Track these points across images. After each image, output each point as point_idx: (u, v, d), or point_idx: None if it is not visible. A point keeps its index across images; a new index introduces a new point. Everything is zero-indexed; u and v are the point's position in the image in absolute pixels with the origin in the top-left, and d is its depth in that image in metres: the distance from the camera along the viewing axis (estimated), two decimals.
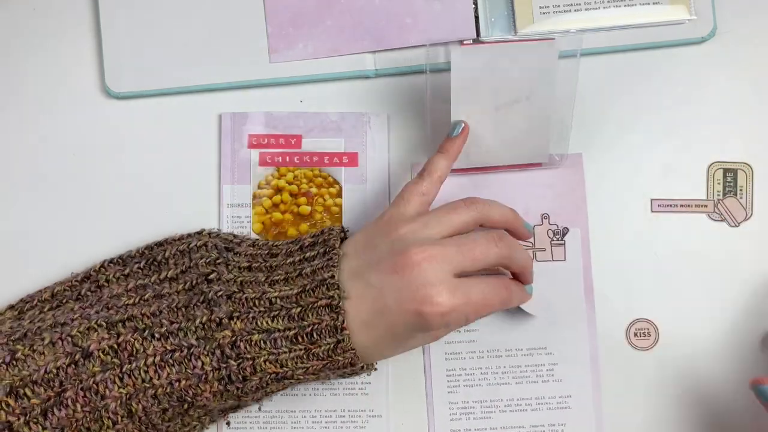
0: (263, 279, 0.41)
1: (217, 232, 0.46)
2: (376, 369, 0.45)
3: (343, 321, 0.39)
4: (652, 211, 0.48)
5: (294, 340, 0.39)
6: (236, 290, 0.40)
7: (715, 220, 0.48)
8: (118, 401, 0.39)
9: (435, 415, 0.47)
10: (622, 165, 0.48)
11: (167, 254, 0.44)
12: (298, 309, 0.40)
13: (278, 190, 0.48)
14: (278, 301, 0.40)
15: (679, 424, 0.46)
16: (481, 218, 0.42)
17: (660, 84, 0.48)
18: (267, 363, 0.39)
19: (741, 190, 0.47)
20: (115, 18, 0.48)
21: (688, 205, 0.48)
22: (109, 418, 0.39)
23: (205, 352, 0.39)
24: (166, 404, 0.40)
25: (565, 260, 0.47)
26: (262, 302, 0.40)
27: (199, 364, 0.39)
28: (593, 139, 0.48)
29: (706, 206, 0.48)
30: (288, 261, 0.42)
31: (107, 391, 0.39)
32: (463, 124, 0.44)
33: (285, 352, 0.39)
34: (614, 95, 0.48)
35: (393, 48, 0.47)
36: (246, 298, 0.40)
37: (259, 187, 0.48)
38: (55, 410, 0.38)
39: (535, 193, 0.47)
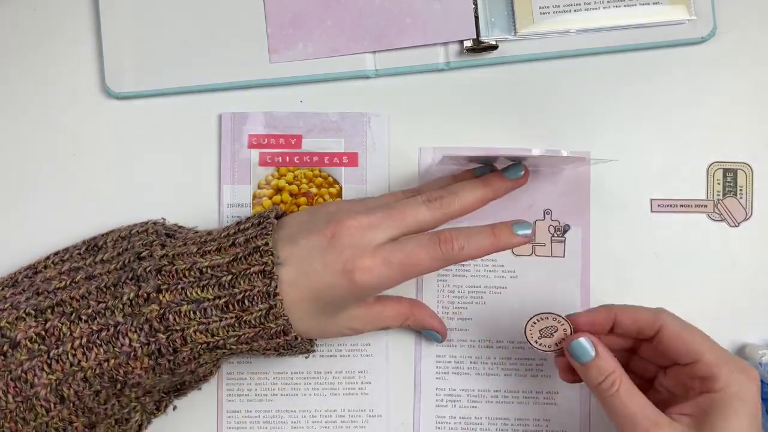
0: (195, 250, 0.41)
1: (163, 222, 0.46)
2: (314, 351, 0.44)
3: (276, 286, 0.39)
4: (652, 211, 0.48)
5: (224, 309, 0.39)
6: (166, 263, 0.40)
7: (714, 220, 0.48)
8: (48, 388, 0.38)
9: (421, 399, 0.47)
10: (622, 165, 0.48)
11: (108, 240, 0.44)
12: (229, 277, 0.39)
13: (278, 190, 0.48)
14: (208, 270, 0.40)
15: None
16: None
17: (660, 84, 0.48)
18: (197, 333, 0.39)
19: (741, 190, 0.47)
20: (115, 18, 0.48)
21: (688, 205, 0.48)
22: (41, 406, 0.38)
23: (133, 329, 0.39)
24: (98, 386, 0.39)
25: (564, 257, 0.47)
26: (192, 272, 0.40)
27: (127, 341, 0.39)
28: (593, 139, 0.48)
29: (706, 206, 0.48)
30: (223, 234, 0.42)
31: (36, 379, 0.38)
32: (524, 169, 0.43)
33: (215, 321, 0.39)
34: (614, 95, 0.48)
35: (393, 48, 0.47)
36: (176, 270, 0.40)
37: (259, 187, 0.48)
38: None
39: (542, 189, 0.47)
